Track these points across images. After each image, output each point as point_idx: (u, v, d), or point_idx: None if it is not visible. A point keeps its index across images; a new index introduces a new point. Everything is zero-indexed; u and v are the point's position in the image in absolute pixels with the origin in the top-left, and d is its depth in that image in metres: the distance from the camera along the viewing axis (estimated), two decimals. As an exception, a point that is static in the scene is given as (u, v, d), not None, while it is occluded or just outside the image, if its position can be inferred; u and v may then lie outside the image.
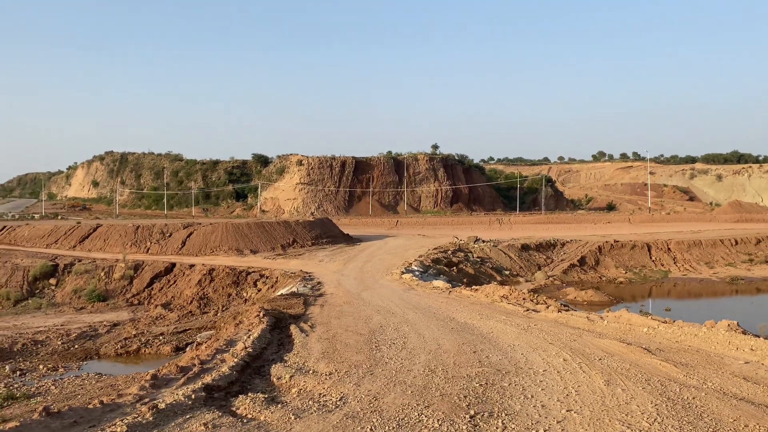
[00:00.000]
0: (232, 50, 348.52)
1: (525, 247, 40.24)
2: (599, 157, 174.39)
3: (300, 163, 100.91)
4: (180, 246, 38.52)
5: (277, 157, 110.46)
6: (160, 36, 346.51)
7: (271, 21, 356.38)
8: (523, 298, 19.84)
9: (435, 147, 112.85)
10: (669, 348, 12.05)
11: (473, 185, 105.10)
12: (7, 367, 17.91)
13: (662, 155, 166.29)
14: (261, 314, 15.90)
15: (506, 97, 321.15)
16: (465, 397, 8.82)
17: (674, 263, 39.48)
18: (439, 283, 24.25)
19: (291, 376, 10.03)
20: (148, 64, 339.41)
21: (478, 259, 36.15)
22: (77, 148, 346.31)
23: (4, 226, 48.65)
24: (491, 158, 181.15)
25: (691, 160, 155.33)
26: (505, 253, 38.09)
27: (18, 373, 17.43)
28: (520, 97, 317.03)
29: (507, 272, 35.10)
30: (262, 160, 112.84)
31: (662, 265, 39.02)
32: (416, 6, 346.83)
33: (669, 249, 41.33)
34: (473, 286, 24.24)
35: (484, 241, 41.81)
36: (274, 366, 10.88)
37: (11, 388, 15.63)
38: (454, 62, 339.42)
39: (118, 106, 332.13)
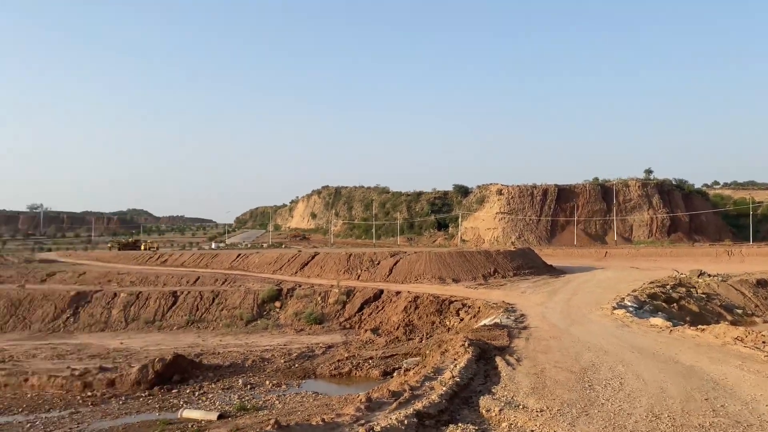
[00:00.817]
0: (443, 84, 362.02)
1: (762, 283, 35.25)
2: None
3: (500, 192, 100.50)
4: (387, 273, 40.45)
5: (477, 187, 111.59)
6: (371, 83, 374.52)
7: (487, 52, 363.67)
8: (763, 341, 17.23)
9: (648, 171, 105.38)
10: None
11: (695, 213, 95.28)
12: (240, 380, 20.23)
13: None
14: (466, 344, 15.88)
15: (731, 110, 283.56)
16: (698, 450, 7.84)
17: None
18: (657, 320, 22.10)
19: (500, 410, 9.81)
20: (358, 109, 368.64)
21: (704, 296, 32.39)
22: (299, 184, 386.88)
23: (239, 254, 55.63)
24: (716, 182, 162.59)
25: None
26: (736, 289, 33.67)
27: (248, 386, 19.59)
28: (748, 108, 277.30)
29: (739, 311, 30.89)
30: (463, 191, 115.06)
31: None
32: (625, 21, 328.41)
33: None
34: (698, 326, 21.70)
35: (709, 275, 37.54)
36: (482, 398, 10.74)
37: (243, 399, 17.60)
38: (666, 74, 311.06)
39: (332, 147, 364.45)
